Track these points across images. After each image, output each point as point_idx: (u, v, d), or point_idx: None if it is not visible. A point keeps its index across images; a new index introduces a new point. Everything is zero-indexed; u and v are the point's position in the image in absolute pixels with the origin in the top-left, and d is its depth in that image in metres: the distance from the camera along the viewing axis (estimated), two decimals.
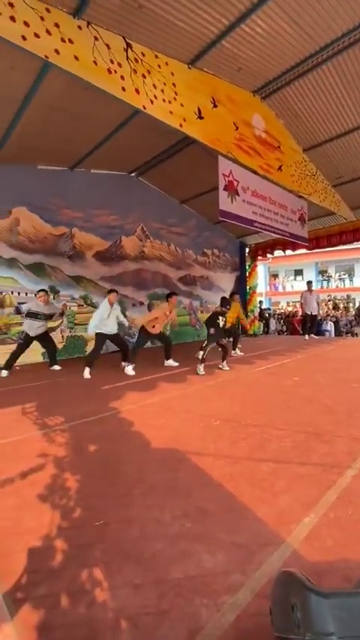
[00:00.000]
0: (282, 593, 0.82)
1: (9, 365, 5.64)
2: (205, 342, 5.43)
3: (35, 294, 5.78)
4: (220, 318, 5.38)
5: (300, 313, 11.72)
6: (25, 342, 5.70)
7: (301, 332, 10.44)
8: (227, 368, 5.41)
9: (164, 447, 2.54)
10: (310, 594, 0.70)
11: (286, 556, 1.41)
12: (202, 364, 5.20)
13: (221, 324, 5.37)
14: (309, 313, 9.05)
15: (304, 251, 11.82)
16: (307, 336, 9.29)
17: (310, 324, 9.28)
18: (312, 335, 9.35)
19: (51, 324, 6.16)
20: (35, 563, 1.42)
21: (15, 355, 5.67)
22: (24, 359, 6.18)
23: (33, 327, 5.64)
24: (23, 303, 6.32)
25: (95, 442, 2.67)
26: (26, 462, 2.32)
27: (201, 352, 5.43)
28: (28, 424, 3.17)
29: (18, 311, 5.60)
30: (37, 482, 2.06)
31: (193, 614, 1.15)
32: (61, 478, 2.11)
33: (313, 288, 9.72)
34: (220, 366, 5.43)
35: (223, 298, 5.68)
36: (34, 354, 6.69)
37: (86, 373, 5.24)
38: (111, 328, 5.50)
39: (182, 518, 1.67)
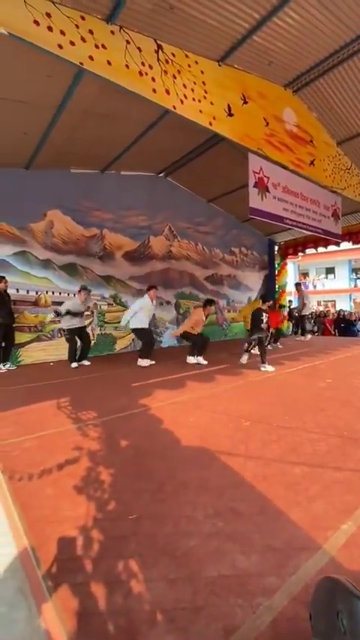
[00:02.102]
0: (326, 599, 0.80)
1: (73, 358, 6.09)
2: (253, 337, 5.65)
3: (78, 291, 6.18)
4: (264, 315, 5.65)
5: (331, 312, 11.40)
6: (71, 336, 6.05)
7: (332, 332, 10.21)
8: (272, 368, 5.30)
9: (194, 446, 2.55)
10: (358, 601, 0.68)
11: (324, 562, 1.37)
12: (247, 354, 5.54)
13: (265, 320, 5.65)
14: (303, 314, 9.18)
15: (336, 248, 11.38)
16: (308, 336, 9.43)
17: (300, 325, 9.42)
18: (301, 336, 9.30)
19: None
20: (73, 551, 1.48)
21: (72, 350, 6.09)
22: (59, 356, 6.43)
23: (70, 322, 5.95)
24: (59, 303, 6.64)
25: (126, 437, 2.73)
26: (63, 454, 2.42)
27: (246, 345, 5.70)
28: (64, 418, 3.30)
29: (57, 314, 5.93)
30: (73, 474, 2.15)
31: (229, 613, 1.15)
32: (95, 471, 2.18)
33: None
34: (263, 368, 5.33)
35: (263, 295, 6.02)
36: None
37: (144, 362, 5.84)
38: (147, 323, 6.01)
39: (215, 517, 1.67)
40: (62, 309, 5.91)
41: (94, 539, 1.54)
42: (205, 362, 5.89)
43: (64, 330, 6.17)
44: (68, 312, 5.87)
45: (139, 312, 5.84)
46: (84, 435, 2.83)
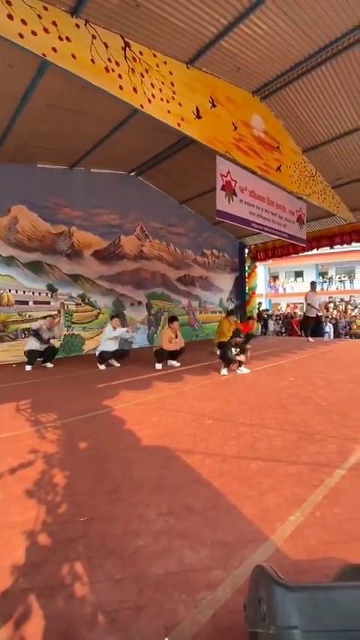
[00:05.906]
0: (253, 587, 0.82)
1: (30, 363, 5.86)
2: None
3: (45, 317, 6.08)
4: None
5: (298, 314, 11.73)
6: (30, 351, 5.88)
7: (302, 334, 10.26)
8: (227, 373, 5.30)
9: (155, 445, 2.53)
10: (276, 587, 0.69)
11: (269, 554, 1.41)
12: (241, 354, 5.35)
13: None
14: (314, 315, 8.84)
15: (304, 252, 11.80)
16: (311, 338, 9.05)
17: (313, 326, 9.06)
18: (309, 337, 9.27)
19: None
20: (17, 557, 1.42)
21: (31, 356, 5.87)
22: (22, 357, 6.18)
23: (33, 344, 5.85)
24: (23, 302, 6.39)
25: (86, 439, 2.67)
26: (17, 458, 2.32)
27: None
28: (22, 421, 3.17)
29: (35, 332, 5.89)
30: (26, 478, 2.06)
31: (171, 609, 1.15)
32: (50, 474, 2.11)
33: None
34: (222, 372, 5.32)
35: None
36: None
37: (102, 366, 5.84)
38: (112, 347, 5.93)
39: (167, 515, 1.67)
40: (35, 325, 5.84)
41: (40, 544, 1.49)
42: (178, 364, 5.88)
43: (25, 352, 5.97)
44: (37, 333, 5.80)
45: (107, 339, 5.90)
46: (42, 437, 2.73)
